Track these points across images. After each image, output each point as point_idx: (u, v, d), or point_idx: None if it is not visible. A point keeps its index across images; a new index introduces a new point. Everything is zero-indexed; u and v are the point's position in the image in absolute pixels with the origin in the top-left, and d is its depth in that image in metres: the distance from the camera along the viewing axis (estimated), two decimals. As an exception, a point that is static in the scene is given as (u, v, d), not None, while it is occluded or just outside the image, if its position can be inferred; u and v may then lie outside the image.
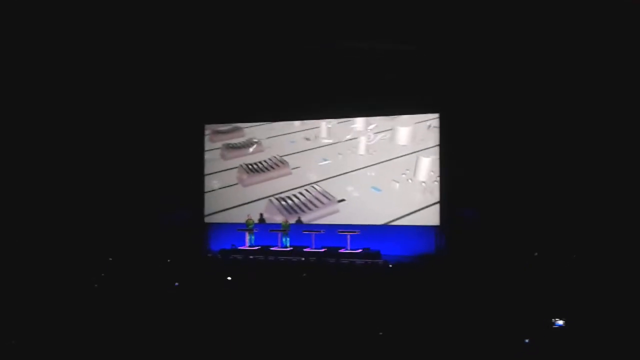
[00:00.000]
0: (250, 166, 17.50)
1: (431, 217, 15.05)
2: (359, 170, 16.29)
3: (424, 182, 15.54)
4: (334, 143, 16.63)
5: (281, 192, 17.01)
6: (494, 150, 14.30)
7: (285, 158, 17.15)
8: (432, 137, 15.41)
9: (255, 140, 17.54)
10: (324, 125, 16.84)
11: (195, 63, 15.29)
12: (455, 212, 14.71)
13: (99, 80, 15.72)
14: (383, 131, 16.09)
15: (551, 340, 5.69)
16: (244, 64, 15.22)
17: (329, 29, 12.74)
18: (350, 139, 16.48)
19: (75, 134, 16.18)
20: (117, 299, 7.94)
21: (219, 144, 17.91)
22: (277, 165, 17.30)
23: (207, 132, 17.90)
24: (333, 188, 16.50)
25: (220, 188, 17.74)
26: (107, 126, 16.49)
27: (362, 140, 16.40)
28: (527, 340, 5.32)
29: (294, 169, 16.98)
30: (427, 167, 15.53)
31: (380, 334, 5.91)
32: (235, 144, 17.80)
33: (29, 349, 5.76)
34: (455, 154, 14.79)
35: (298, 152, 17.06)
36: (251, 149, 17.60)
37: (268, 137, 17.40)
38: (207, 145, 17.91)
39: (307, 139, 16.98)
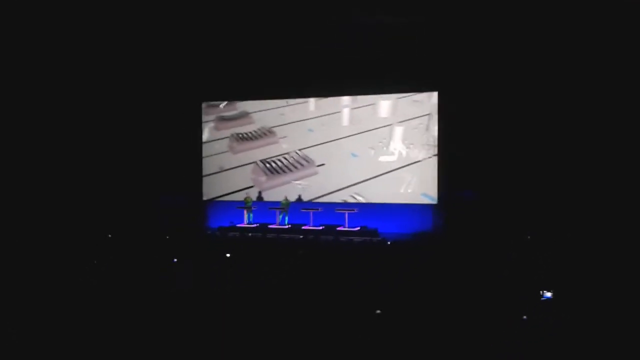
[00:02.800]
0: (267, 165, 16.39)
1: (429, 196, 15.08)
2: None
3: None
4: (361, 133, 15.52)
5: (315, 199, 15.88)
6: (492, 130, 14.27)
7: (305, 152, 16.07)
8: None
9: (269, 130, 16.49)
10: (346, 112, 15.88)
11: (191, 36, 15.03)
12: (452, 190, 14.74)
13: (93, 62, 15.56)
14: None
15: (547, 316, 5.78)
16: (241, 39, 14.99)
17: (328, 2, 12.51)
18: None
19: (73, 116, 16.10)
20: (117, 276, 8.01)
21: (226, 133, 16.98)
22: (300, 164, 16.20)
23: (211, 117, 17.27)
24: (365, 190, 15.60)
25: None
26: (104, 107, 16.40)
27: (397, 131, 15.22)
28: (525, 317, 5.41)
29: (319, 166, 16.00)
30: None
31: (378, 312, 5.98)
32: (245, 134, 16.71)
33: (30, 327, 5.81)
34: (453, 133, 14.75)
35: (318, 145, 15.93)
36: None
37: (280, 125, 16.28)
38: (214, 134, 17.23)
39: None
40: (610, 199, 12.93)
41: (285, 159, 16.47)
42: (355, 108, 15.96)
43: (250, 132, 16.89)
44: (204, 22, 13.77)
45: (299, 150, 16.23)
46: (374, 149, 15.66)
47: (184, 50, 15.53)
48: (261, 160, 16.62)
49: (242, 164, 16.93)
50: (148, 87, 16.47)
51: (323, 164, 15.98)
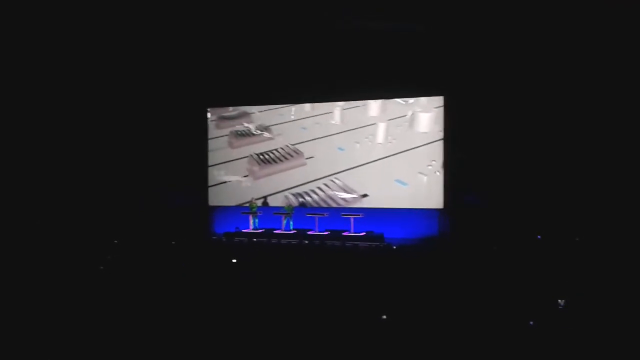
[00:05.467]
0: (301, 199, 15.67)
1: (435, 201, 15.03)
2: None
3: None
4: (402, 152, 14.74)
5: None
6: (499, 134, 14.21)
7: (341, 177, 15.28)
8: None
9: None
10: (381, 128, 15.07)
11: (196, 43, 15.09)
12: (459, 195, 14.68)
13: (99, 67, 15.69)
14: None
15: (555, 322, 5.73)
16: (248, 43, 14.99)
17: (335, 6, 12.52)
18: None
19: (79, 119, 16.24)
20: (123, 282, 8.01)
21: (243, 152, 16.58)
22: (342, 199, 15.30)
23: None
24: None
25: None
26: (110, 110, 16.52)
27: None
28: (531, 323, 5.37)
29: (363, 196, 15.28)
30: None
31: (384, 317, 5.95)
32: (267, 154, 16.14)
33: (35, 328, 5.83)
34: (459, 137, 14.71)
35: (354, 168, 15.21)
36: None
37: (304, 142, 15.74)
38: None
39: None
40: (620, 201, 12.84)
41: (321, 189, 15.60)
42: (390, 119, 15.21)
43: (273, 152, 16.09)
44: (212, 27, 13.86)
45: (335, 177, 15.29)
46: (425, 175, 14.86)
47: (189, 54, 15.62)
48: (293, 194, 15.71)
49: (268, 193, 16.22)
50: (155, 91, 16.55)
51: (366, 195, 15.16)
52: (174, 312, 6.38)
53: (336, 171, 15.57)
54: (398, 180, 15.08)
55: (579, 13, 12.13)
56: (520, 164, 14.04)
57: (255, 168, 16.29)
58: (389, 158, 15.21)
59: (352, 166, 15.48)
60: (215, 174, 17.13)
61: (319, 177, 15.72)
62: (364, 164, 15.40)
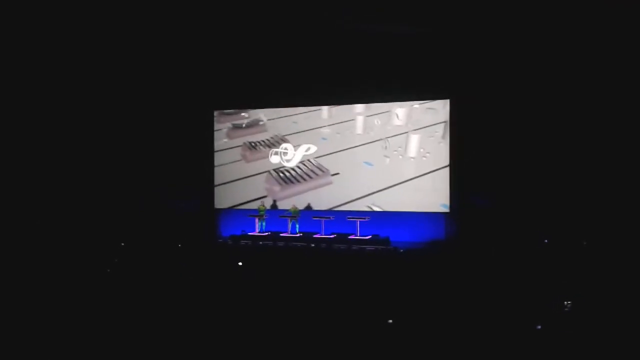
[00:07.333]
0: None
1: (441, 204, 14.97)
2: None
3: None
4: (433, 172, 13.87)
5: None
6: (505, 137, 14.18)
7: (374, 200, 14.13)
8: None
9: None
10: (413, 140, 14.11)
11: (204, 45, 15.10)
12: (465, 198, 14.63)
13: (106, 70, 15.79)
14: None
15: (562, 326, 5.70)
16: (254, 45, 14.96)
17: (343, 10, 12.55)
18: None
19: (88, 123, 16.34)
20: (130, 284, 8.04)
21: (259, 166, 15.78)
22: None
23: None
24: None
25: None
26: (118, 113, 16.60)
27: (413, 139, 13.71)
28: (539, 327, 5.34)
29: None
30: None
31: (390, 321, 5.93)
32: (288, 172, 15.18)
33: (42, 331, 5.85)
34: (465, 139, 14.67)
35: (385, 190, 14.07)
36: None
37: (326, 154, 14.74)
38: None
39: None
40: (628, 205, 12.76)
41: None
42: (415, 131, 14.50)
43: (294, 169, 15.25)
44: (219, 30, 13.90)
45: (371, 201, 14.21)
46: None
47: (196, 57, 15.66)
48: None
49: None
50: (161, 94, 16.61)
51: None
52: (181, 316, 6.39)
53: (368, 192, 14.16)
54: (445, 205, 14.30)
55: (585, 16, 12.09)
56: (527, 167, 13.98)
57: (276, 188, 15.09)
58: (427, 176, 14.17)
59: (385, 186, 14.14)
60: (218, 171, 16.51)
61: (349, 199, 14.41)
62: (399, 184, 14.06)
